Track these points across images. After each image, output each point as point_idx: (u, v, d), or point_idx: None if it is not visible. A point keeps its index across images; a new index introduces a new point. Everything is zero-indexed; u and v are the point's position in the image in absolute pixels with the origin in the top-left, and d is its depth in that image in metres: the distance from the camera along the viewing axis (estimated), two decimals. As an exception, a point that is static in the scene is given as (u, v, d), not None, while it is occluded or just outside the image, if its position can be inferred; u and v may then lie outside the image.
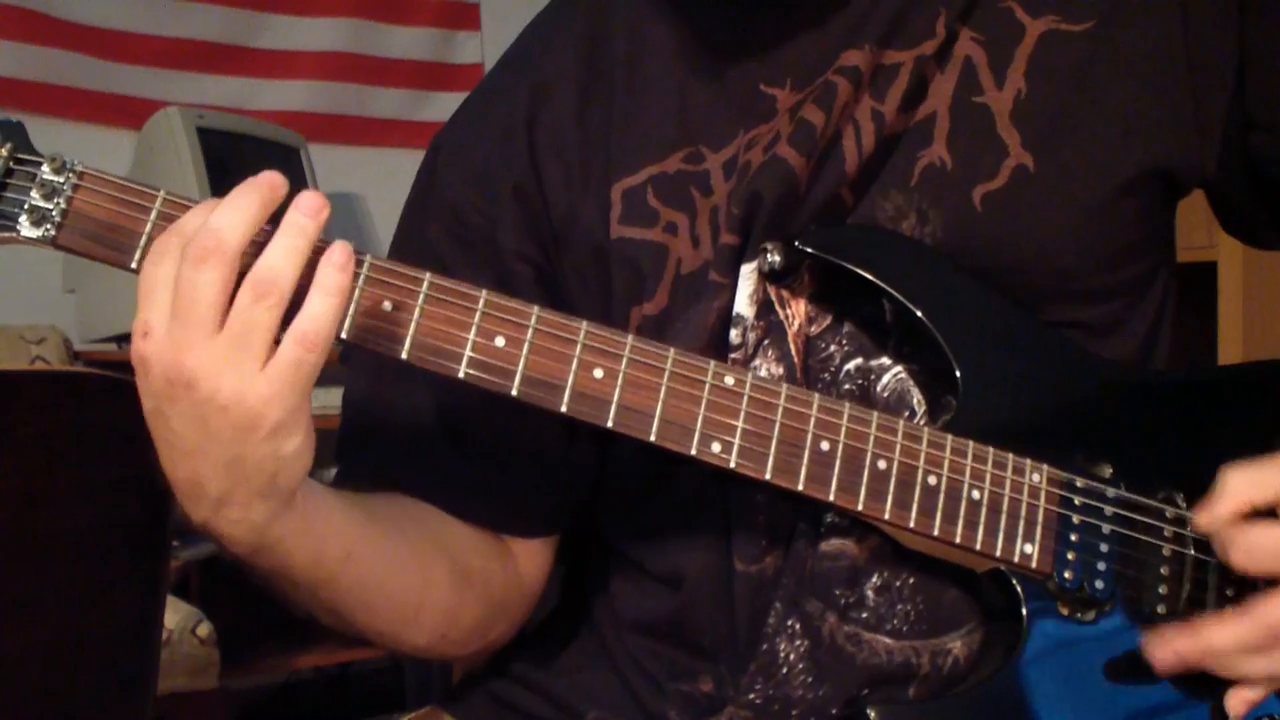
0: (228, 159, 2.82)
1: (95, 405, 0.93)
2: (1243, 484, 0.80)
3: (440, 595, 0.87)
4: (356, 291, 0.72)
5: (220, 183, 2.70)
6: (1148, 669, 0.81)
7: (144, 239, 0.70)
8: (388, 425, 0.91)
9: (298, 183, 3.04)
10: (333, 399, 0.94)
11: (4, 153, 0.70)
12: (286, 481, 0.72)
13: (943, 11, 0.86)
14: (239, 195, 0.69)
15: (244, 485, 0.70)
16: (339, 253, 0.69)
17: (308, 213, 0.69)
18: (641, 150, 0.89)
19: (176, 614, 2.20)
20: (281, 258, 0.68)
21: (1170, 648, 0.79)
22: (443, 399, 0.89)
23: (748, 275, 0.84)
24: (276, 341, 0.69)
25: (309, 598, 0.81)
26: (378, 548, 0.83)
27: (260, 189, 0.70)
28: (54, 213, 0.70)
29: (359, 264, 0.72)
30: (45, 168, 0.70)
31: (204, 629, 2.21)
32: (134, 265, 0.70)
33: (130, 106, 3.07)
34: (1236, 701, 0.80)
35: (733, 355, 0.84)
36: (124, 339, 2.84)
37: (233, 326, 0.68)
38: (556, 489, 0.93)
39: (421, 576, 0.86)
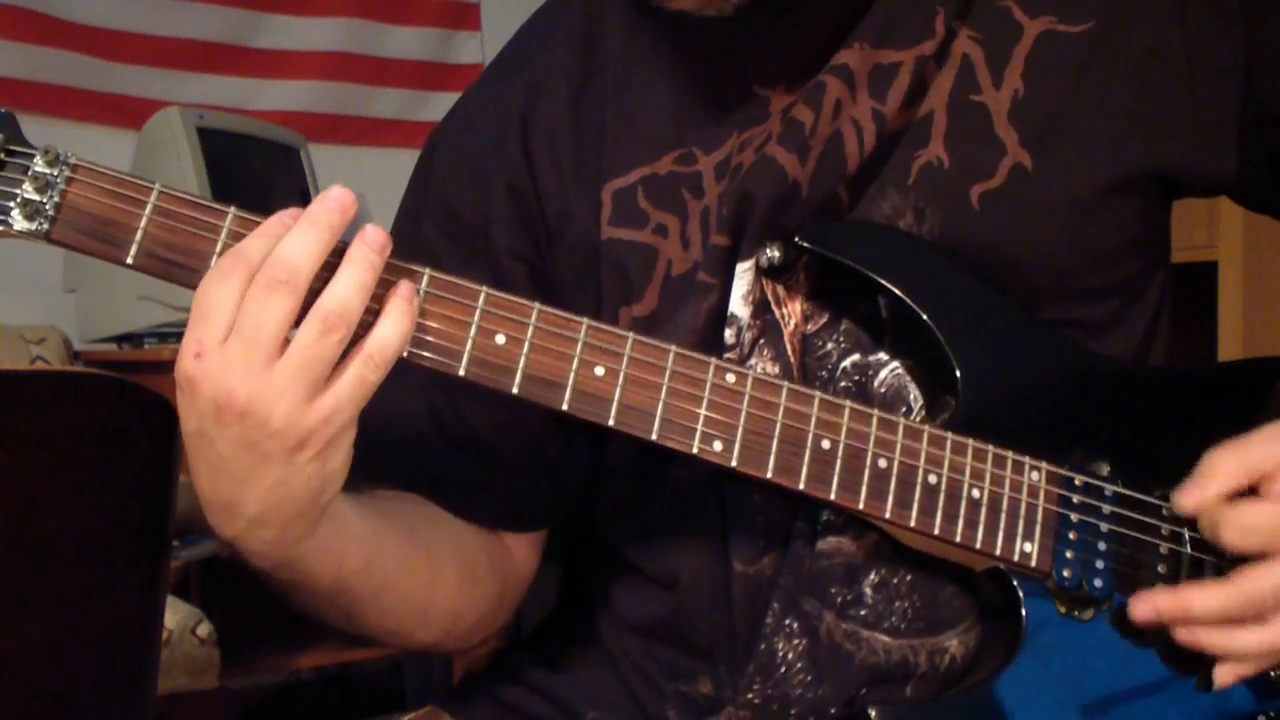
0: (228, 159, 2.82)
1: (95, 405, 0.93)
2: (1229, 464, 0.80)
3: (448, 595, 0.88)
4: None
5: (220, 182, 2.70)
6: (1141, 651, 0.81)
7: (139, 233, 0.69)
8: (382, 422, 0.91)
9: (298, 183, 3.05)
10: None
11: None
12: (327, 497, 0.72)
13: (941, 10, 0.86)
14: (312, 224, 0.68)
15: (287, 504, 0.70)
16: (407, 287, 0.70)
17: (375, 247, 0.69)
18: (633, 151, 0.89)
19: (176, 614, 2.20)
20: (351, 292, 0.68)
21: (1150, 604, 0.80)
22: (435, 395, 0.89)
23: (742, 274, 0.84)
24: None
25: (326, 604, 0.82)
26: (393, 555, 0.83)
27: (332, 215, 0.69)
28: (47, 206, 0.68)
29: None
30: (38, 160, 0.69)
31: (204, 629, 2.21)
32: (129, 260, 0.69)
33: (130, 106, 3.06)
34: (1224, 671, 0.81)
35: (727, 355, 0.84)
36: (124, 339, 2.84)
37: (296, 357, 0.67)
38: (552, 484, 0.93)
39: (431, 578, 0.87)
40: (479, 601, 0.91)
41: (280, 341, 0.67)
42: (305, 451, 0.68)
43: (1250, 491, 0.80)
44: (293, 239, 0.68)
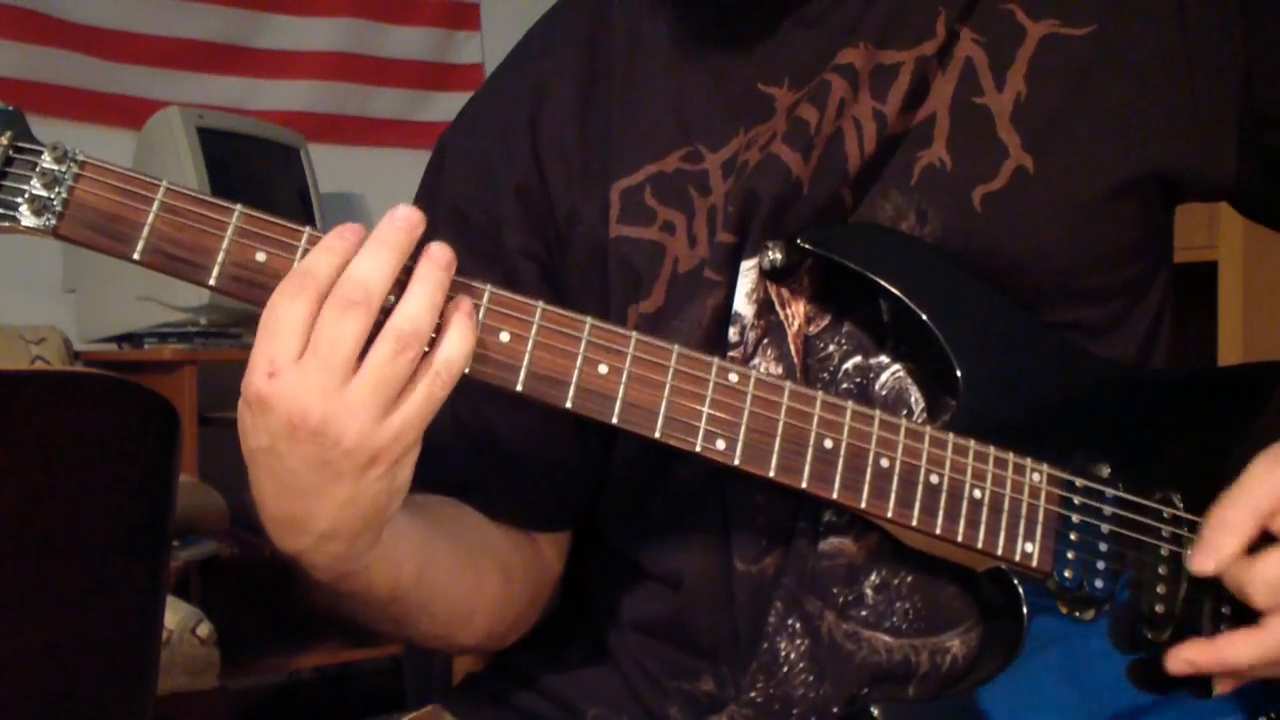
0: (228, 159, 2.82)
1: (95, 405, 0.93)
2: (1236, 516, 0.80)
3: (490, 597, 0.89)
4: None
5: (220, 182, 2.70)
6: (1147, 671, 0.81)
7: (146, 229, 0.69)
8: None
9: (297, 183, 3.05)
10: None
11: (4, 141, 0.69)
12: (393, 510, 0.73)
13: (942, 11, 0.86)
14: (383, 244, 0.69)
15: (355, 519, 0.71)
16: (467, 303, 0.71)
17: (442, 265, 0.70)
18: (640, 150, 0.89)
19: (176, 614, 2.20)
20: (422, 311, 0.69)
21: (1186, 661, 0.80)
22: (455, 399, 0.89)
23: (746, 273, 0.84)
24: None
25: (379, 613, 0.82)
26: (442, 561, 0.84)
27: (401, 235, 0.69)
28: (55, 202, 0.69)
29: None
30: (46, 156, 0.69)
31: (204, 629, 2.21)
32: (136, 256, 0.69)
33: (130, 106, 3.06)
34: (1223, 683, 0.82)
35: (731, 354, 0.84)
36: (124, 339, 2.84)
37: (371, 376, 0.68)
38: (572, 484, 0.93)
39: (475, 581, 0.88)
40: (516, 602, 0.92)
41: (354, 361, 0.67)
42: (376, 468, 0.69)
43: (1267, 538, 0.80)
44: (365, 259, 0.68)
